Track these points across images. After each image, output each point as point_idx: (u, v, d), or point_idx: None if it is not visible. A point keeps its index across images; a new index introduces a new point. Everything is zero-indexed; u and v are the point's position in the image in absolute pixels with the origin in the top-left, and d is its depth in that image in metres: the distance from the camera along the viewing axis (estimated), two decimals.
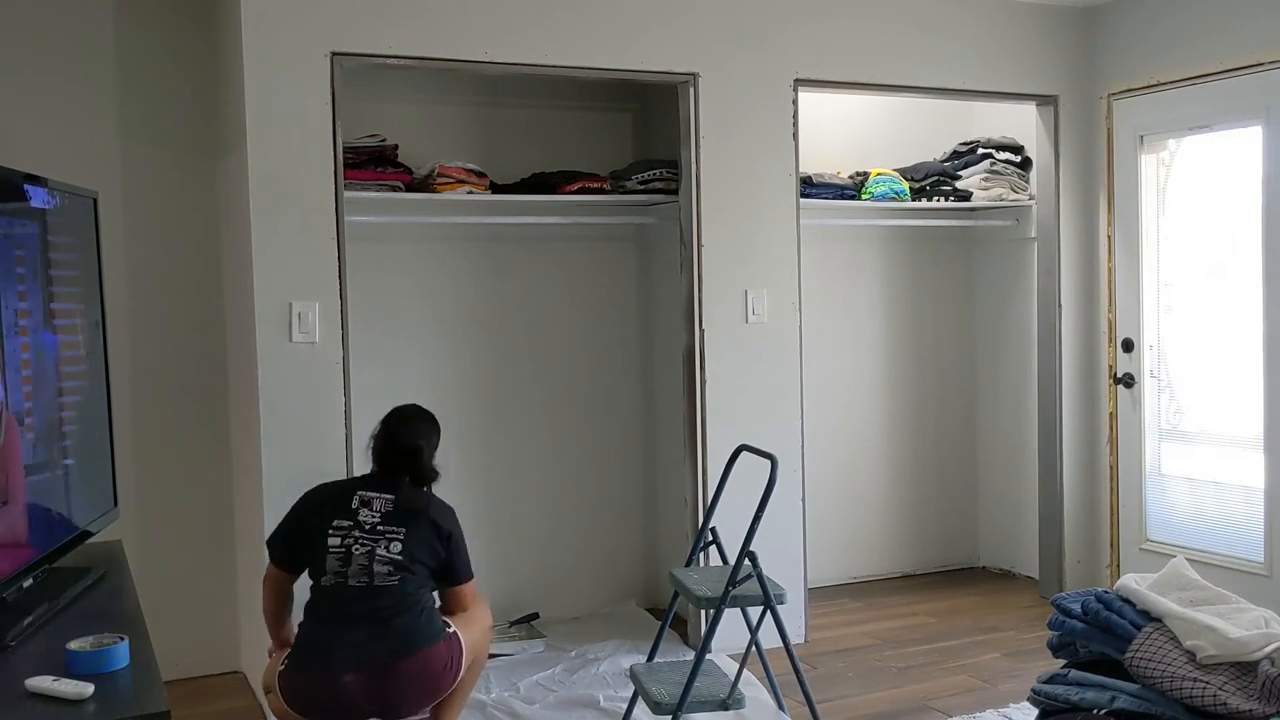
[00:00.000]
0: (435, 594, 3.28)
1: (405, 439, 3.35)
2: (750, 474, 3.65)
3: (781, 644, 3.44)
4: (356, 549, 3.17)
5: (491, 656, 4.32)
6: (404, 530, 3.20)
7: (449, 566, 3.28)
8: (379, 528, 3.20)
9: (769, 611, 3.40)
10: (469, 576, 3.33)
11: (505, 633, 4.55)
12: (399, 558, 3.16)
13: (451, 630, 3.21)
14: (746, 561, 3.37)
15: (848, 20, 4.62)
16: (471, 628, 3.30)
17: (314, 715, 3.13)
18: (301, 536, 3.26)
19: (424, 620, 3.16)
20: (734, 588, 3.33)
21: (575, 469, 4.95)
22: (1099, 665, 2.75)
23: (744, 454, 3.71)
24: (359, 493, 3.28)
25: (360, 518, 3.21)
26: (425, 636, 3.14)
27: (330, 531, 3.20)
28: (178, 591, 4.20)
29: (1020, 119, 5.28)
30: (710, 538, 3.75)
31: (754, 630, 3.64)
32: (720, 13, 4.39)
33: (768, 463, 3.40)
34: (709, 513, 3.82)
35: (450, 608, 3.33)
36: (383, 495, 3.26)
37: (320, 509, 3.27)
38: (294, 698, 3.11)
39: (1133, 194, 4.95)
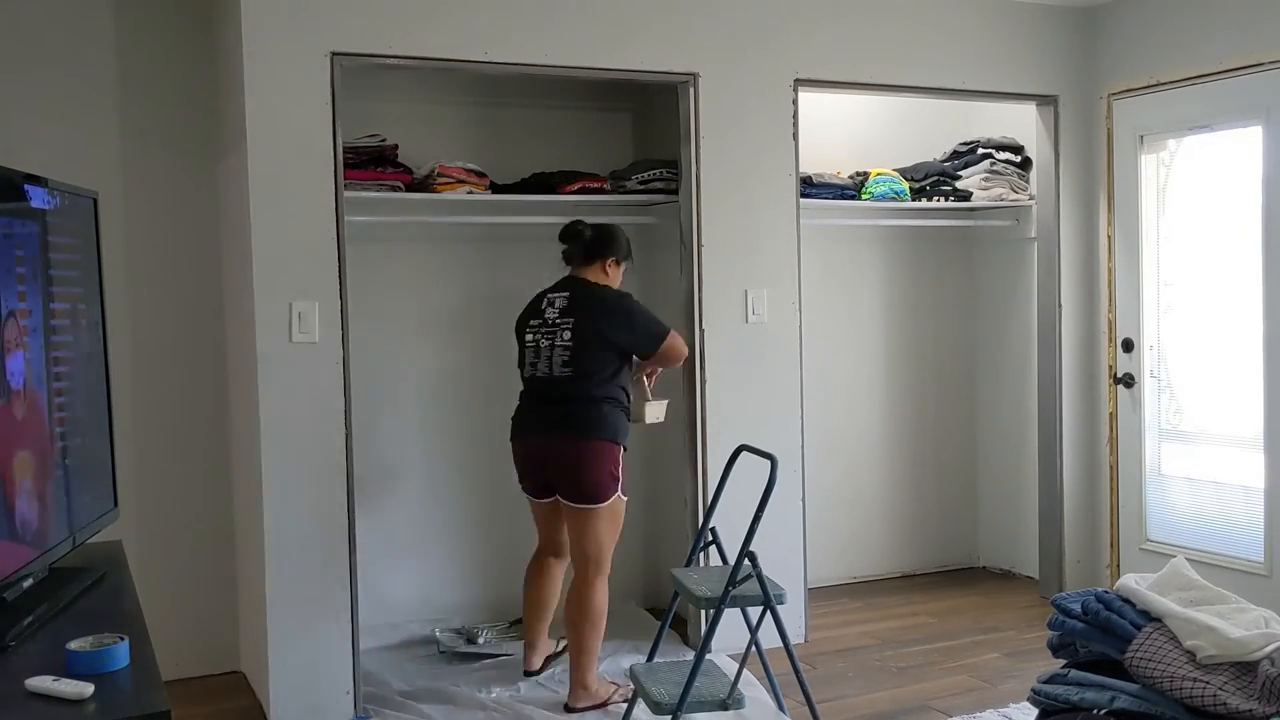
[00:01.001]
0: (618, 387, 3.85)
1: (570, 228, 4.01)
2: (750, 474, 3.65)
3: (781, 644, 3.44)
4: (543, 341, 3.89)
5: (491, 656, 4.33)
6: (573, 320, 3.84)
7: (629, 346, 3.86)
8: (557, 321, 3.87)
9: (769, 611, 3.39)
10: (651, 349, 3.90)
11: (505, 633, 4.55)
12: (570, 344, 3.82)
13: (615, 450, 3.79)
14: (746, 561, 3.37)
15: (848, 20, 4.62)
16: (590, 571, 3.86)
17: (523, 471, 4.00)
18: (519, 343, 4.03)
19: (593, 415, 3.78)
20: (734, 588, 3.33)
21: None
22: (1099, 665, 2.75)
23: (744, 454, 3.71)
24: (547, 295, 3.96)
25: (546, 315, 3.91)
26: (587, 429, 3.76)
27: (527, 330, 3.96)
28: (178, 591, 4.20)
29: (1020, 119, 5.28)
30: (710, 538, 3.75)
31: (754, 630, 3.64)
32: (720, 13, 4.39)
33: (767, 463, 3.40)
34: (709, 513, 3.82)
35: (660, 364, 4.00)
36: (561, 294, 3.93)
37: (524, 320, 4.01)
38: (515, 459, 4.02)
39: (1133, 194, 4.95)
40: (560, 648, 4.27)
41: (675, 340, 3.93)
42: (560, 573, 4.15)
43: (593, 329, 3.82)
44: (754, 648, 3.68)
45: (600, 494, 3.78)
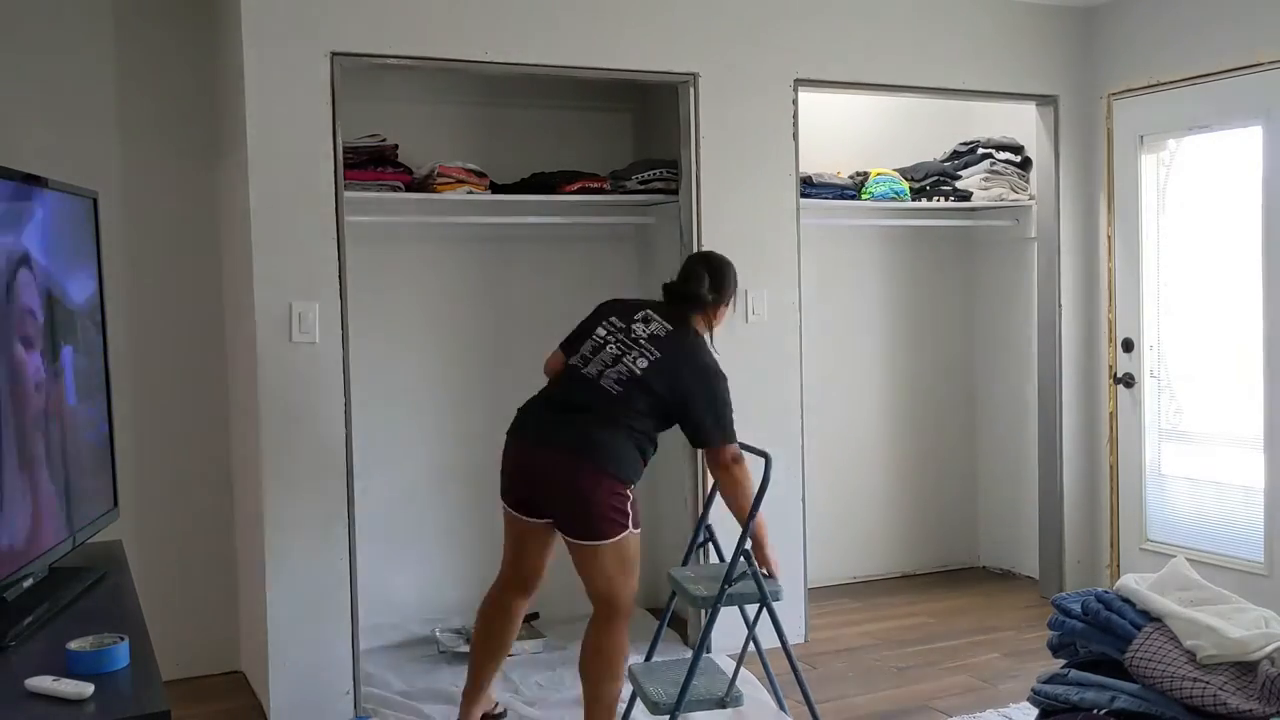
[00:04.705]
0: (650, 440, 3.32)
1: (688, 266, 3.53)
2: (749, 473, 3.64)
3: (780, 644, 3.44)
4: (612, 348, 3.32)
5: None
6: (660, 356, 3.28)
7: (693, 423, 3.31)
8: (642, 342, 3.31)
9: (765, 609, 3.39)
10: (713, 444, 3.33)
11: None
12: (642, 373, 3.26)
13: (622, 488, 3.21)
14: (742, 559, 3.36)
15: (848, 20, 4.62)
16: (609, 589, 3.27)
17: (510, 483, 3.35)
18: (584, 328, 3.46)
19: (614, 445, 3.22)
20: (730, 586, 3.31)
21: None
22: (1099, 665, 2.75)
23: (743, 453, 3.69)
24: (647, 310, 3.41)
25: (634, 329, 3.35)
26: (599, 457, 3.19)
27: (602, 324, 3.39)
28: (178, 591, 4.20)
29: (1020, 119, 5.28)
30: (705, 535, 3.74)
31: (751, 627, 3.63)
32: (720, 12, 4.39)
33: (763, 461, 3.39)
34: (705, 510, 3.82)
35: (710, 467, 3.40)
36: (663, 322, 3.37)
37: (607, 310, 3.45)
38: (505, 462, 3.36)
39: (1133, 194, 4.95)
40: (499, 710, 3.74)
41: (728, 454, 3.34)
42: (521, 614, 3.57)
43: (673, 380, 3.28)
44: (753, 645, 3.68)
45: (605, 530, 3.21)
